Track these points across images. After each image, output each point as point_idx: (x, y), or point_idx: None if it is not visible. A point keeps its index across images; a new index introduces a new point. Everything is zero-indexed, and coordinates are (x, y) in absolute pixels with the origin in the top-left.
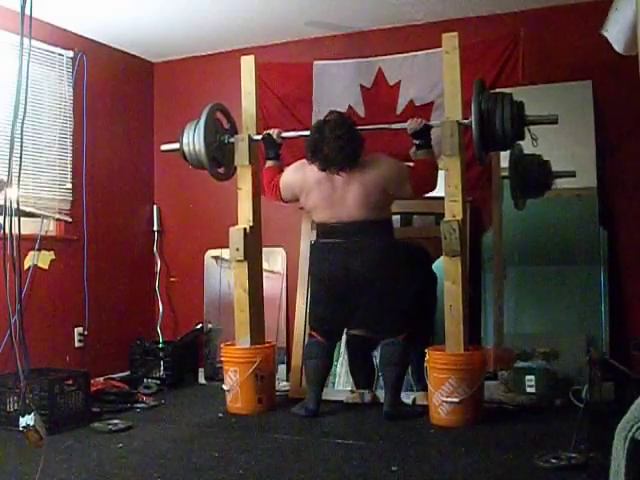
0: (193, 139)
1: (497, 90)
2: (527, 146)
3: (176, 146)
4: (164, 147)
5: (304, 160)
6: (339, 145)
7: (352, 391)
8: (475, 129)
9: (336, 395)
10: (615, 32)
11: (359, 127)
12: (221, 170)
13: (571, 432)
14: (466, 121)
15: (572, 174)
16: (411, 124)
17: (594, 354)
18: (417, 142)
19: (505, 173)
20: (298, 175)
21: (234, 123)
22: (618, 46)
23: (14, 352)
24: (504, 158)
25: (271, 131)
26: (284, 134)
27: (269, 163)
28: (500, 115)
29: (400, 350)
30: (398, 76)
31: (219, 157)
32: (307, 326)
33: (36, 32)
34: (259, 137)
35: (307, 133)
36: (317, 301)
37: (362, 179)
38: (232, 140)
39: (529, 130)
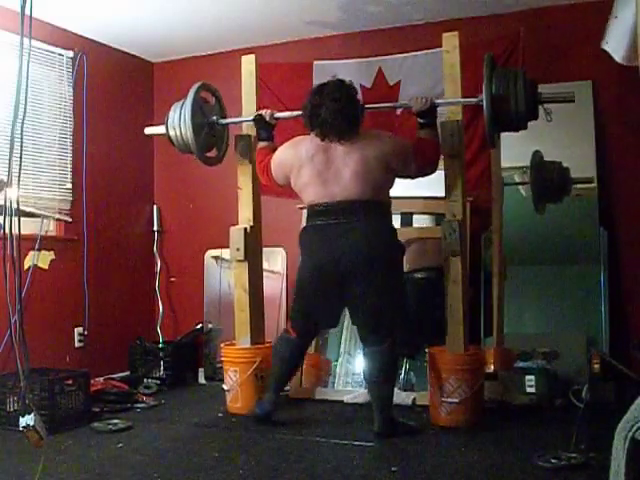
0: (179, 122)
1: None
2: (541, 122)
3: (162, 130)
4: (148, 130)
5: (298, 137)
6: (337, 108)
7: (352, 391)
8: (487, 109)
9: (336, 395)
10: (615, 42)
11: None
12: (211, 154)
13: (571, 432)
14: (475, 99)
15: (590, 180)
16: (417, 104)
17: (594, 354)
18: (422, 121)
19: (506, 173)
20: (290, 151)
21: (222, 103)
22: (617, 55)
23: (14, 352)
24: (505, 158)
25: (263, 112)
26: (277, 114)
27: (261, 144)
28: (513, 94)
29: (386, 361)
30: (398, 76)
31: (208, 140)
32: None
33: (36, 32)
34: (250, 118)
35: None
36: (301, 293)
37: (363, 152)
38: (222, 121)
39: (543, 106)
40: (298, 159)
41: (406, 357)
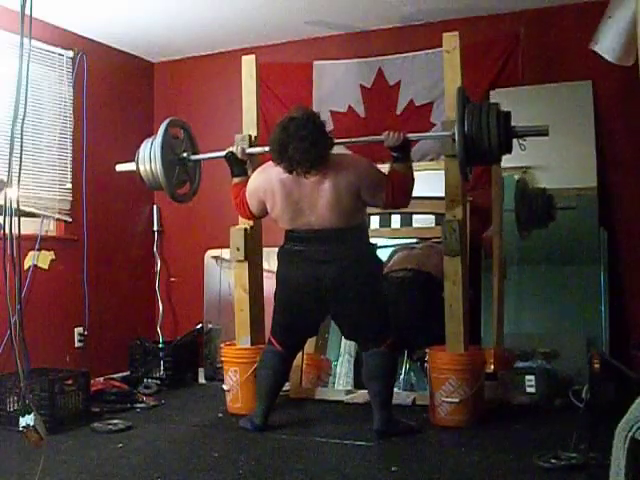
0: (150, 160)
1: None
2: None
3: (132, 166)
4: (119, 167)
5: (266, 164)
6: (304, 147)
7: (351, 391)
8: (459, 145)
9: (336, 395)
10: (608, 42)
11: (337, 141)
12: (182, 191)
13: (571, 432)
14: (448, 133)
15: (573, 207)
16: (388, 139)
17: (594, 354)
18: (395, 155)
19: (506, 173)
20: (260, 177)
21: (193, 138)
22: (610, 55)
23: (14, 352)
24: (505, 158)
25: (234, 148)
26: (248, 150)
27: (235, 180)
28: (486, 130)
29: (385, 360)
30: (398, 76)
31: (180, 176)
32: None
33: (36, 32)
34: (222, 153)
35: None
36: (282, 309)
37: (333, 182)
38: (193, 157)
39: (518, 139)
40: (269, 183)
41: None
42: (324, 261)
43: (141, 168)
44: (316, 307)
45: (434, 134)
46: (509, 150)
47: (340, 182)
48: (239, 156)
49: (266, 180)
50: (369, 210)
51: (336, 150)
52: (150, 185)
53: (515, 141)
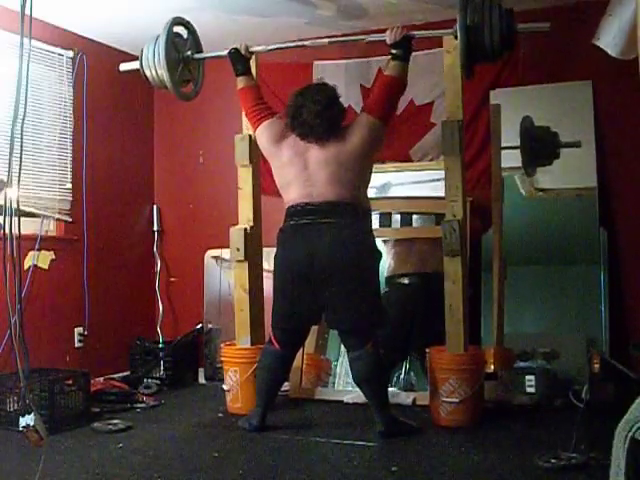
0: (154, 59)
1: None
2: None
3: (136, 65)
4: (123, 66)
5: (283, 120)
6: (318, 110)
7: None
8: (461, 39)
9: (336, 395)
10: (610, 37)
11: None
12: (187, 89)
13: (571, 432)
14: (450, 30)
15: (578, 144)
16: (390, 34)
17: (594, 354)
18: (394, 52)
19: (506, 173)
20: (278, 127)
21: (197, 37)
22: (613, 50)
23: (14, 352)
24: (505, 158)
25: (238, 45)
26: (252, 48)
27: (240, 80)
28: (488, 23)
29: (371, 363)
30: None
31: (184, 75)
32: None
33: (36, 32)
34: (225, 52)
35: (278, 45)
36: (278, 293)
37: (339, 151)
38: (197, 56)
39: None
40: (284, 137)
41: (397, 361)
42: (319, 234)
43: (145, 67)
44: (309, 288)
45: (436, 32)
46: (511, 46)
47: (343, 150)
48: (242, 52)
49: (281, 134)
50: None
51: None
52: (154, 83)
53: None
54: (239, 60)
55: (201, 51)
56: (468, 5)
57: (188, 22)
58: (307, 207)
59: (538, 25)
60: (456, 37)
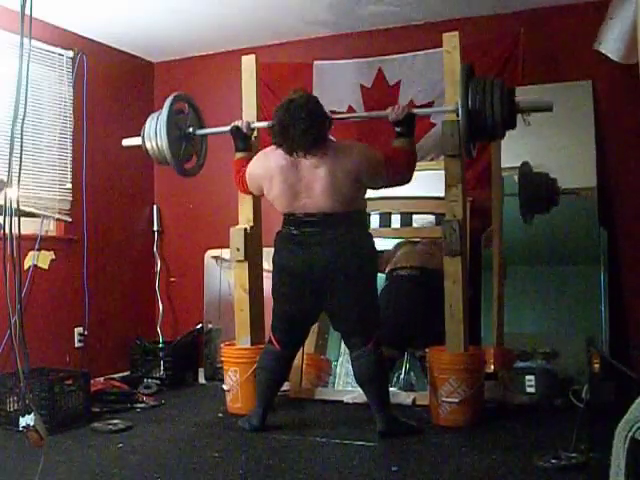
0: (155, 135)
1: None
2: (520, 129)
3: (138, 141)
4: (125, 142)
5: (268, 148)
6: (304, 127)
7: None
8: (462, 120)
9: (336, 395)
10: (612, 41)
11: (339, 116)
12: (189, 165)
13: (571, 432)
14: (450, 107)
15: (576, 192)
16: (392, 113)
17: (594, 354)
18: (398, 130)
19: (506, 173)
20: (260, 163)
21: (199, 112)
22: (615, 55)
23: (14, 352)
24: (505, 158)
25: (239, 122)
26: (253, 125)
27: (238, 155)
28: (490, 104)
29: (372, 362)
30: (398, 76)
31: (187, 151)
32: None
33: (36, 32)
34: (227, 128)
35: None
36: (278, 296)
37: (332, 167)
38: (198, 132)
39: (522, 114)
40: (268, 170)
41: (396, 357)
42: (318, 244)
43: (147, 144)
44: (309, 292)
45: (438, 109)
46: (513, 125)
47: (337, 168)
48: (244, 130)
49: (265, 167)
50: (369, 209)
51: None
52: (156, 160)
53: (520, 117)
54: (240, 137)
55: (203, 126)
56: (470, 84)
57: (189, 97)
58: (303, 218)
59: (541, 103)
60: (457, 114)
